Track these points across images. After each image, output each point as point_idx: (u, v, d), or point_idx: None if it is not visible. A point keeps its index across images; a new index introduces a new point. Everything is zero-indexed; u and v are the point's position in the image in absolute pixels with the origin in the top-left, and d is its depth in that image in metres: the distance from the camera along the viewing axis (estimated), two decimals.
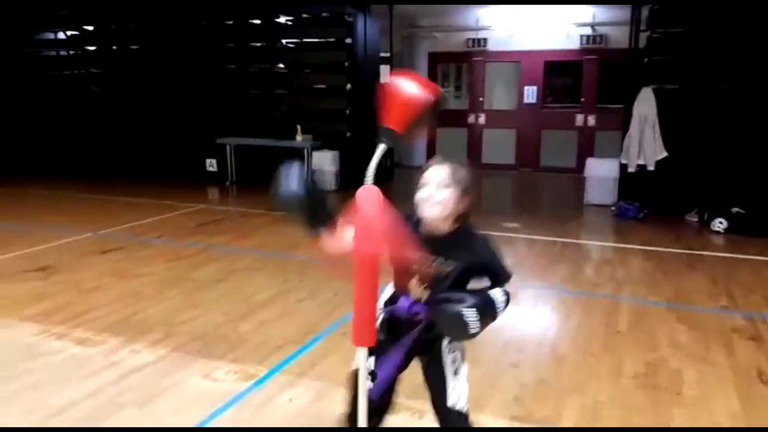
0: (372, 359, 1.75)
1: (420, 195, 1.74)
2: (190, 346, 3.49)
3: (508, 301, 1.75)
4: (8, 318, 3.91)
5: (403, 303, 1.82)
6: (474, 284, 1.79)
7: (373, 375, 1.73)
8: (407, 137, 1.64)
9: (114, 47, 10.48)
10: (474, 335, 1.66)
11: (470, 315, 1.62)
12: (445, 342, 1.88)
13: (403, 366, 1.91)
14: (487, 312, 1.66)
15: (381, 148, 1.66)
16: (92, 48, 10.65)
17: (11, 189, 9.20)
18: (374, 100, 1.68)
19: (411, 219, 1.79)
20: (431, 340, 1.85)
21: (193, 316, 3.96)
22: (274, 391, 2.96)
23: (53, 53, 11.17)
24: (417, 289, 1.80)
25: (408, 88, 1.62)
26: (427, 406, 1.99)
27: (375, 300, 1.63)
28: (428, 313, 1.78)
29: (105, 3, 10.13)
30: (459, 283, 1.77)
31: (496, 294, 1.72)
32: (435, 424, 1.98)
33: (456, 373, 1.89)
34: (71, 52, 10.80)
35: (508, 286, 1.81)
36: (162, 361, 3.30)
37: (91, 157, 10.82)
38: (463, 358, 1.93)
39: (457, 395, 1.88)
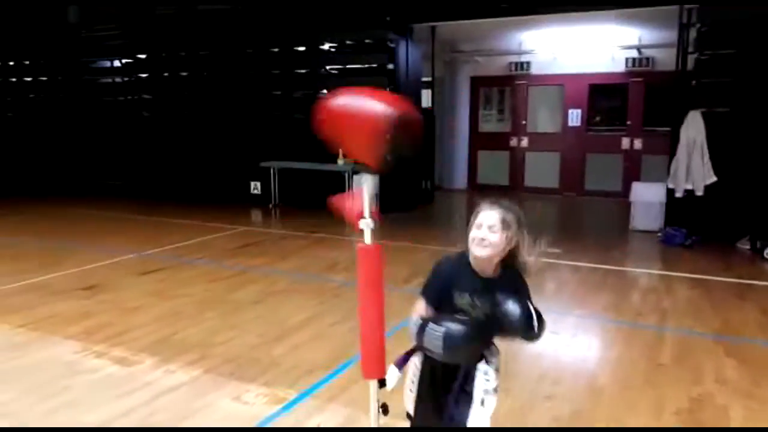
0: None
1: (472, 235, 1.86)
2: (224, 367, 3.53)
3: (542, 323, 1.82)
4: (53, 335, 4.05)
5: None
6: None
7: (384, 408, 1.71)
8: (382, 160, 1.60)
9: (165, 74, 10.88)
10: (535, 336, 1.77)
11: (534, 312, 1.76)
12: (480, 371, 1.89)
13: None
14: (538, 321, 1.77)
15: (368, 180, 1.64)
16: (144, 75, 11.10)
17: (65, 209, 9.60)
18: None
19: (462, 258, 1.90)
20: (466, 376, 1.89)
21: (229, 337, 4.00)
22: (303, 416, 2.95)
23: (109, 80, 11.68)
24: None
25: (354, 107, 1.58)
26: None
27: (382, 331, 1.62)
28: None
29: (157, 33, 10.57)
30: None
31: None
32: None
33: (483, 404, 1.88)
34: (125, 79, 11.27)
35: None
36: (195, 382, 3.34)
37: (141, 180, 11.21)
38: (495, 391, 1.92)
39: (480, 420, 1.87)
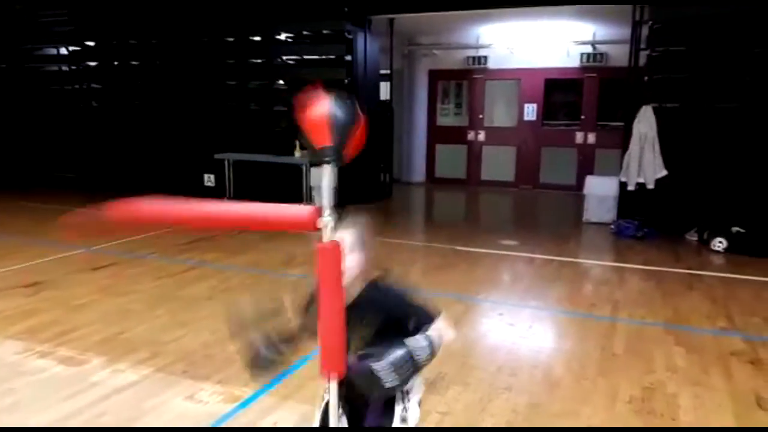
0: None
1: None
2: (176, 366, 3.42)
3: (432, 344, 1.69)
4: None
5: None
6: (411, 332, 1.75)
7: (344, 409, 1.66)
8: (341, 145, 1.62)
9: (115, 63, 10.51)
10: (392, 388, 1.63)
11: (382, 370, 1.60)
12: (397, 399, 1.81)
13: None
14: (404, 364, 1.62)
15: (330, 170, 1.62)
16: (93, 63, 10.69)
17: (9, 202, 9.18)
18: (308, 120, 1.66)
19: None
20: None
21: (180, 335, 3.89)
22: (259, 414, 2.88)
23: (55, 68, 11.21)
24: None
25: (309, 111, 1.64)
26: None
27: (342, 328, 1.57)
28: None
29: (106, 19, 10.19)
30: (394, 333, 1.72)
31: (414, 343, 1.67)
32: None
33: (404, 421, 1.82)
34: (72, 68, 10.84)
35: (441, 322, 1.77)
36: (145, 381, 3.23)
37: (90, 172, 10.81)
38: (414, 406, 1.87)
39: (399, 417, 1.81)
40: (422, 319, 1.76)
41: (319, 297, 1.54)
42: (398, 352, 1.63)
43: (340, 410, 1.65)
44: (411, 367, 1.64)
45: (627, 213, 7.50)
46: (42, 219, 7.97)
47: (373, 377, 1.60)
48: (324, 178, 1.64)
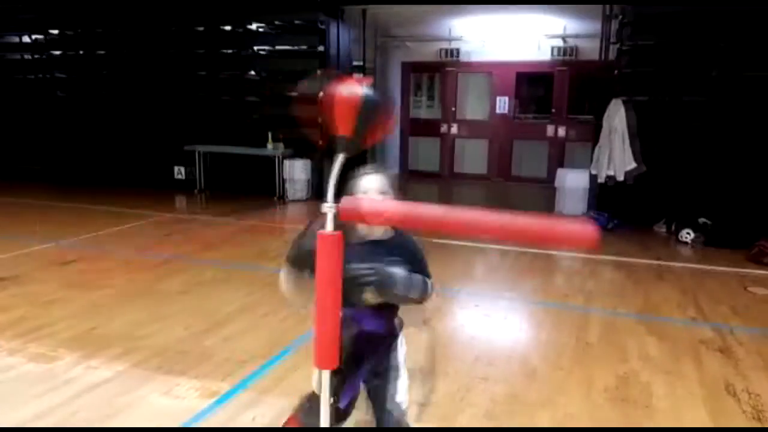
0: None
1: None
2: (151, 361, 3.36)
3: (429, 286, 1.93)
4: None
5: (357, 317, 1.90)
6: None
7: (336, 399, 1.66)
8: (360, 138, 1.61)
9: (80, 52, 10.24)
10: (399, 296, 1.84)
11: (399, 274, 1.81)
12: (395, 348, 2.05)
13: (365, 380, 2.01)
14: (414, 280, 1.85)
15: (340, 159, 1.61)
16: (58, 52, 10.40)
17: None
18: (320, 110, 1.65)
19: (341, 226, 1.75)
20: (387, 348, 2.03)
21: (154, 330, 3.82)
22: (237, 410, 2.85)
23: (17, 57, 10.86)
24: (370, 297, 1.87)
25: (342, 89, 1.60)
26: None
27: (337, 320, 1.57)
28: (383, 325, 1.97)
29: (71, 7, 9.91)
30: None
31: (420, 276, 1.89)
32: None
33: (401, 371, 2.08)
34: (36, 56, 10.52)
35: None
36: (120, 377, 3.17)
37: (56, 164, 10.54)
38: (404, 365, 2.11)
39: (403, 391, 2.06)
40: (426, 273, 1.95)
41: (316, 288, 1.53)
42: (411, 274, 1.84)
43: (332, 399, 1.64)
44: (416, 288, 1.86)
45: (598, 205, 7.62)
46: (6, 213, 7.77)
47: (391, 276, 1.78)
48: (333, 167, 1.62)
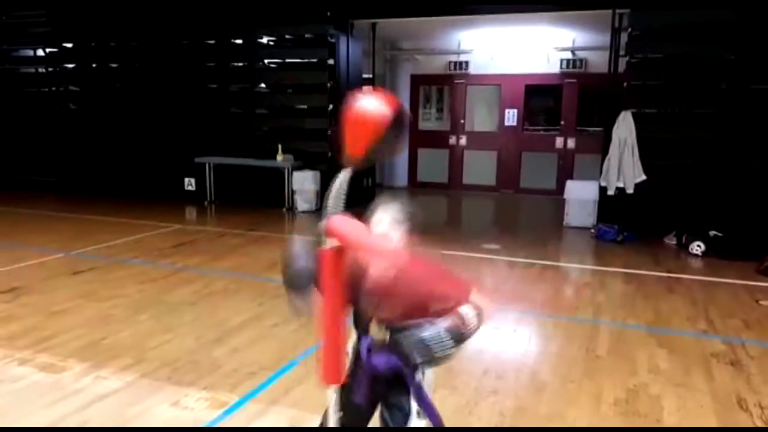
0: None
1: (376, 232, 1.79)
2: (160, 372, 3.38)
3: (479, 315, 1.72)
4: None
5: (363, 347, 1.78)
6: None
7: (343, 414, 1.66)
8: (372, 158, 1.60)
9: (93, 65, 10.38)
10: (445, 357, 1.64)
11: (432, 337, 1.61)
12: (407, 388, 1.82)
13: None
14: (456, 330, 1.65)
15: (344, 174, 1.62)
16: (71, 65, 10.54)
17: None
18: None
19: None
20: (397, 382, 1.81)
21: (164, 340, 3.84)
22: (245, 420, 2.86)
23: (31, 70, 11.03)
24: (377, 331, 1.76)
25: (362, 109, 1.59)
26: None
27: (344, 336, 1.57)
28: (388, 363, 1.75)
29: (85, 20, 10.06)
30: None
31: (465, 310, 1.69)
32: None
33: (419, 415, 1.84)
34: (50, 70, 10.67)
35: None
36: (129, 388, 3.18)
37: (69, 175, 10.65)
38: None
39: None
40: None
41: (321, 303, 1.54)
42: (445, 323, 1.65)
43: (340, 413, 1.64)
44: (464, 333, 1.66)
45: (607, 217, 7.58)
46: (19, 223, 7.84)
47: (424, 345, 1.62)
48: (337, 182, 1.63)
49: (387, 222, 1.77)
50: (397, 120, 1.62)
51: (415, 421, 1.83)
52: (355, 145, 1.61)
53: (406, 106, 11.81)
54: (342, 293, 1.55)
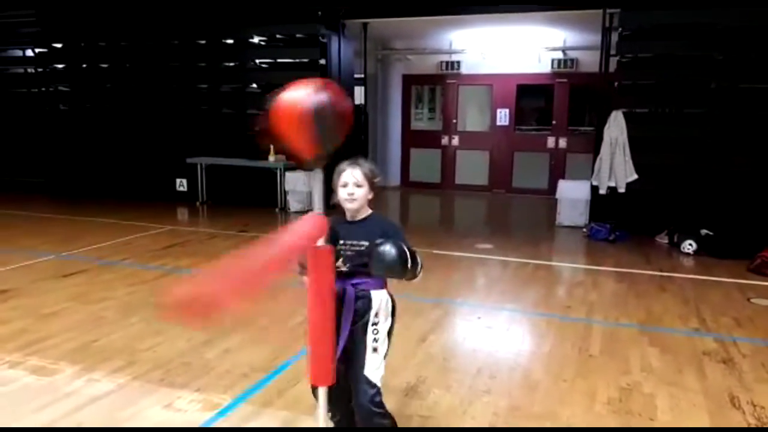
0: None
1: (340, 195, 2.19)
2: (152, 374, 3.35)
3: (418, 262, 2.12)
4: None
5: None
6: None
7: (333, 413, 1.67)
8: (322, 152, 1.63)
9: (83, 65, 10.30)
10: (403, 270, 2.02)
11: (399, 249, 2.02)
12: (370, 322, 2.18)
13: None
14: (413, 254, 2.05)
15: (317, 175, 1.64)
16: (61, 66, 10.46)
17: None
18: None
19: (338, 221, 2.21)
20: (361, 316, 2.16)
21: (156, 342, 3.81)
22: (238, 422, 2.84)
23: (20, 70, 10.95)
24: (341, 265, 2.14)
25: (276, 108, 1.57)
26: None
27: (332, 336, 1.57)
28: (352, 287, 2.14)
29: (74, 20, 9.99)
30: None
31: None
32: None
33: (375, 350, 2.18)
34: (39, 70, 10.58)
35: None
36: (121, 390, 3.16)
37: (59, 177, 10.57)
38: (385, 341, 2.23)
39: (374, 368, 2.17)
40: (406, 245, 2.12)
41: (309, 303, 1.54)
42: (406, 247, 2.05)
43: (330, 414, 1.64)
44: (413, 262, 2.05)
45: (599, 216, 7.61)
46: (8, 225, 7.77)
47: (403, 255, 2.01)
48: (315, 184, 1.65)
49: (351, 186, 2.15)
50: (320, 107, 1.64)
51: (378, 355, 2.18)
52: (299, 147, 1.65)
53: (397, 104, 11.84)
54: (331, 292, 1.55)
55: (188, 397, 3.08)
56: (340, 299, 2.09)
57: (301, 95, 1.53)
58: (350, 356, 2.16)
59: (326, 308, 1.52)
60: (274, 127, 1.60)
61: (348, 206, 2.21)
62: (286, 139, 1.62)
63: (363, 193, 2.19)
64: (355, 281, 2.15)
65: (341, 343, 2.03)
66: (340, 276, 2.11)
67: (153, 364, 3.48)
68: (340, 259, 2.14)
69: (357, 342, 2.16)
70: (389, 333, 2.25)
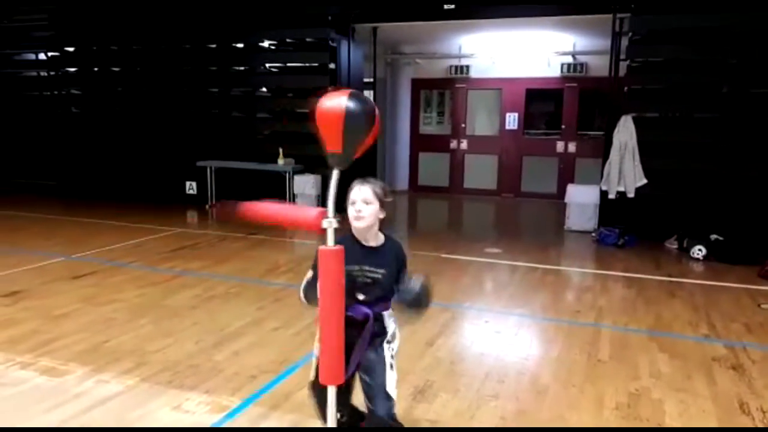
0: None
1: (349, 213, 2.14)
2: (161, 376, 3.37)
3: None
4: None
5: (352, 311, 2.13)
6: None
7: (342, 414, 1.69)
8: (348, 153, 1.73)
9: (95, 69, 10.40)
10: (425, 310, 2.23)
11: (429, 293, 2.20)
12: (386, 340, 2.27)
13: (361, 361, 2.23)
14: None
15: (335, 175, 1.69)
16: (73, 69, 10.56)
17: None
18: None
19: (348, 236, 2.16)
20: (378, 336, 2.24)
21: (165, 344, 3.84)
22: (246, 424, 2.86)
23: (33, 74, 11.06)
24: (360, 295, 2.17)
25: (323, 104, 1.75)
26: None
27: (342, 336, 1.58)
28: (372, 312, 2.17)
29: (86, 24, 10.09)
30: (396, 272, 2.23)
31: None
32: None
33: (392, 367, 2.28)
34: (52, 73, 10.69)
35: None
36: (131, 392, 3.18)
37: (70, 179, 10.66)
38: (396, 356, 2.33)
39: (393, 383, 2.26)
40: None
41: (320, 303, 1.56)
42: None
43: (338, 414, 1.67)
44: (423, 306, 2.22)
45: (608, 221, 7.58)
46: (20, 227, 7.85)
47: (427, 291, 2.17)
48: (330, 183, 1.69)
49: (359, 203, 2.10)
50: (354, 112, 1.75)
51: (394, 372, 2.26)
52: (326, 141, 1.78)
53: (406, 108, 11.86)
54: (341, 292, 1.57)
55: (197, 399, 3.10)
56: (358, 323, 2.13)
57: (338, 99, 1.72)
58: (369, 372, 2.23)
59: (337, 307, 1.53)
60: (313, 124, 1.82)
61: (355, 224, 2.15)
62: (320, 133, 1.79)
63: (372, 211, 2.13)
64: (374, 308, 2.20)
65: (354, 362, 2.09)
66: (357, 302, 2.15)
67: (162, 365, 3.50)
68: (357, 287, 2.14)
69: (376, 361, 2.24)
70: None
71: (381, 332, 2.25)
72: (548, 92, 11.16)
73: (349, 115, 1.67)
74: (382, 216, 2.18)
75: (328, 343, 1.55)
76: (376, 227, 2.20)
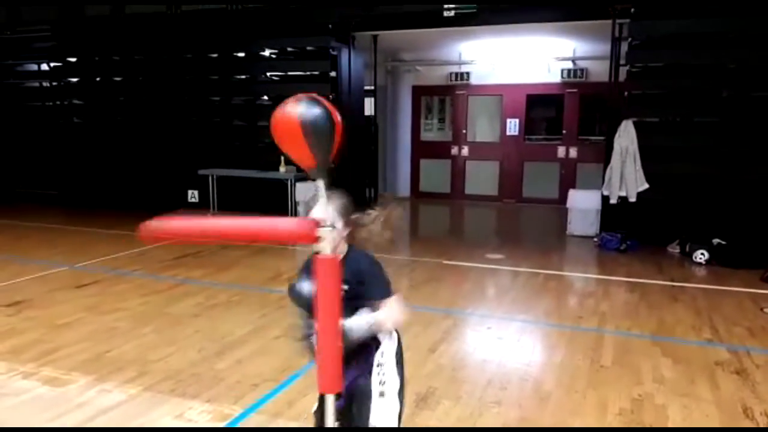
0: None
1: None
2: (164, 385, 3.37)
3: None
4: None
5: None
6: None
7: (338, 396, 1.68)
8: (325, 160, 1.62)
9: (97, 79, 10.45)
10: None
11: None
12: (376, 363, 2.00)
13: None
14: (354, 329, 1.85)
15: (320, 186, 1.64)
16: (75, 79, 10.61)
17: None
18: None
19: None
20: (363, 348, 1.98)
21: (167, 353, 3.84)
22: None
23: (36, 84, 11.12)
24: None
25: (275, 121, 1.59)
26: None
27: (339, 344, 1.58)
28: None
29: (88, 35, 10.14)
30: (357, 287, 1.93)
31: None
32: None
33: (383, 395, 1.99)
34: (54, 84, 10.75)
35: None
36: (133, 401, 3.18)
37: (73, 189, 10.70)
38: (394, 378, 2.03)
39: (383, 413, 1.97)
40: (379, 292, 1.93)
41: (317, 311, 1.55)
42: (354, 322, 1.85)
43: (337, 423, 1.65)
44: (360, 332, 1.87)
45: (610, 226, 7.58)
46: (22, 236, 7.87)
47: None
48: (318, 193, 1.65)
49: (330, 214, 1.81)
50: (312, 121, 1.60)
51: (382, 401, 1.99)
52: (296, 159, 1.64)
53: (407, 115, 11.88)
54: (338, 300, 1.56)
55: (199, 407, 3.10)
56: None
57: (294, 109, 1.58)
58: (355, 401, 2.01)
59: (333, 317, 1.53)
60: (275, 140, 1.66)
61: (316, 248, 1.93)
62: (285, 151, 1.66)
63: (335, 234, 1.85)
64: None
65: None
66: None
67: (164, 374, 3.50)
68: None
69: (364, 391, 2.00)
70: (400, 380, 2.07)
71: (366, 344, 1.99)
72: (549, 98, 11.17)
73: (304, 123, 1.57)
74: (345, 233, 1.99)
75: (325, 349, 1.55)
76: (340, 247, 1.96)
